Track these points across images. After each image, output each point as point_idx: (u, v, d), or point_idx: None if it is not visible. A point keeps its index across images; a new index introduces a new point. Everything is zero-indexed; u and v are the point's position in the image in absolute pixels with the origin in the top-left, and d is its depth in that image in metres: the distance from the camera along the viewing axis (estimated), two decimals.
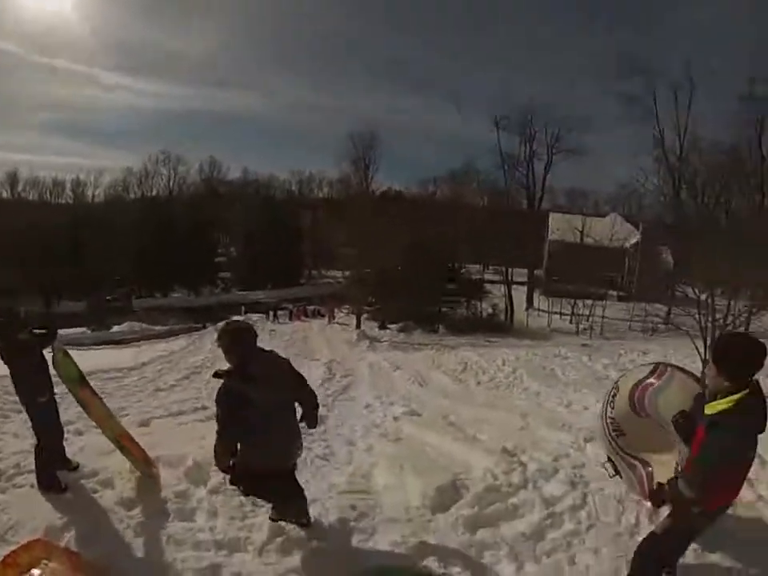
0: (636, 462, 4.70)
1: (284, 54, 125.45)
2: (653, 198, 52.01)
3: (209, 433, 7.85)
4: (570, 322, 40.85)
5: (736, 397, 2.97)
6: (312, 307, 46.07)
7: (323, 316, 43.65)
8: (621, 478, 4.88)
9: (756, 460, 5.76)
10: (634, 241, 49.89)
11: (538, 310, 46.04)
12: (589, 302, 41.31)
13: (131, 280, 54.32)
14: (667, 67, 52.47)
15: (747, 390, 2.98)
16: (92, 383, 12.48)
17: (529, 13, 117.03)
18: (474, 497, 5.36)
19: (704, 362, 11.90)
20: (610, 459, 4.95)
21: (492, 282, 49.47)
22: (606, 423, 4.95)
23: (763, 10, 71.16)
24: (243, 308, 43.93)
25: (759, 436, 3.10)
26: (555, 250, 51.34)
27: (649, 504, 4.35)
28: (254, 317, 41.43)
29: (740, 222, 48.82)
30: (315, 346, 29.35)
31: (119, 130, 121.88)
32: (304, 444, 7.44)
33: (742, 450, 3.06)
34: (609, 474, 4.93)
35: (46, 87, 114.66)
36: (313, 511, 4.96)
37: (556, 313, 42.61)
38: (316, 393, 4.88)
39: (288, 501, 4.59)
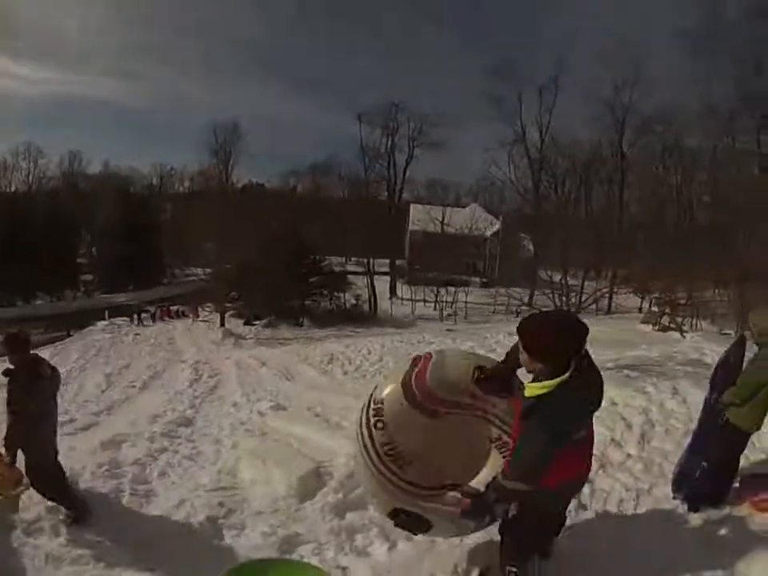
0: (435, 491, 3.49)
1: (152, 42, 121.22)
2: (513, 191, 54.52)
3: (79, 443, 7.71)
4: (434, 308, 41.75)
5: (555, 381, 2.74)
6: (176, 307, 44.84)
7: (187, 316, 42.74)
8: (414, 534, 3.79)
9: (622, 423, 6.22)
10: (494, 230, 51.84)
11: (401, 299, 47.08)
12: (452, 288, 42.45)
13: None
14: (534, 71, 55.26)
15: (568, 373, 2.74)
16: None
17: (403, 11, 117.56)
18: (338, 483, 5.48)
19: None
20: (398, 513, 3.48)
21: (355, 273, 49.82)
22: (376, 453, 3.50)
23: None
24: (107, 312, 42.09)
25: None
26: (416, 240, 52.64)
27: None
28: (119, 321, 40.30)
29: (599, 213, 52.86)
30: (181, 347, 28.74)
31: None
32: (171, 447, 7.43)
33: (567, 432, 2.85)
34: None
35: None
36: (182, 512, 4.99)
37: (420, 300, 43.50)
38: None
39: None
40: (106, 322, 39.79)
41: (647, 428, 6.71)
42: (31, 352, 4.75)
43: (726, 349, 5.21)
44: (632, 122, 51.35)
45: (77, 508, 4.70)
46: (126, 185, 74.22)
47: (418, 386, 3.44)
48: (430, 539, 4.23)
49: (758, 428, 4.66)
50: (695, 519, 4.59)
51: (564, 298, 13.31)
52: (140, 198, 69.14)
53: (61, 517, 4.59)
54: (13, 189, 69.56)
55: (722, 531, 4.38)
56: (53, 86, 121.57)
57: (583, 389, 2.82)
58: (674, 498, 5.04)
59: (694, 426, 6.08)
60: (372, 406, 3.59)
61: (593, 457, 3.40)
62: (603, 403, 7.04)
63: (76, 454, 6.82)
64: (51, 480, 4.68)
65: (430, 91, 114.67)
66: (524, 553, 3.35)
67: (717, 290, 33.72)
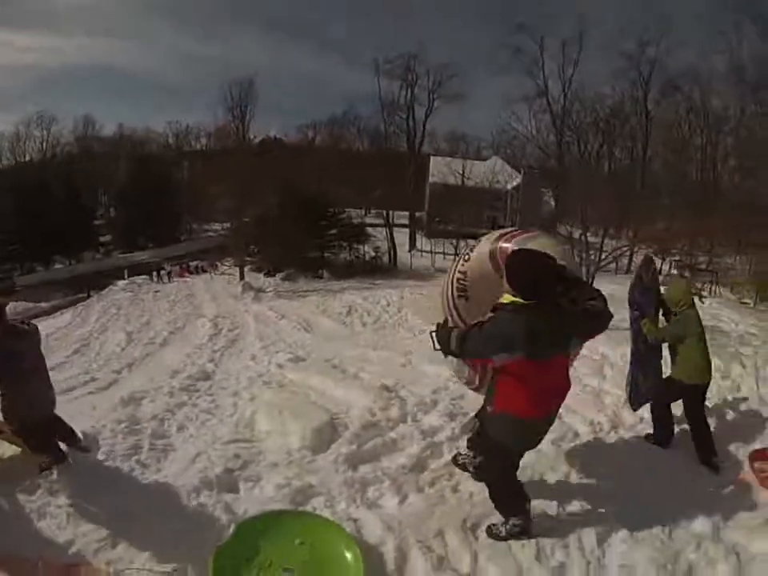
0: None
1: (161, 2, 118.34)
2: (534, 145, 53.76)
3: (99, 402, 7.80)
4: (454, 261, 40.98)
5: (520, 301, 3.26)
6: (195, 263, 45.08)
7: (206, 271, 43.04)
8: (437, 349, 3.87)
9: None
10: (515, 183, 51.16)
11: (421, 251, 46.79)
12: (472, 241, 41.88)
13: (10, 256, 51.03)
14: (557, 24, 53.71)
15: (534, 301, 3.25)
16: None
17: None
18: (353, 434, 5.54)
19: None
20: (438, 327, 3.85)
21: (374, 225, 49.20)
22: (452, 279, 4.44)
23: None
24: (126, 271, 42.36)
25: None
26: (436, 192, 52.02)
27: None
28: (139, 279, 40.58)
29: (621, 170, 52.01)
30: (201, 302, 28.97)
31: None
32: (189, 401, 7.49)
33: (511, 342, 3.24)
34: (433, 347, 3.85)
35: None
36: (199, 465, 5.01)
37: (439, 253, 43.11)
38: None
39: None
40: (125, 281, 40.16)
41: None
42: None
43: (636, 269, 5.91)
44: (657, 80, 50.13)
45: (56, 455, 4.69)
46: (141, 144, 74.27)
47: (502, 247, 4.09)
48: (440, 493, 4.44)
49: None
50: (701, 492, 4.67)
51: (584, 254, 13.16)
52: (156, 157, 69.01)
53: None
54: (28, 158, 69.57)
55: (726, 504, 4.42)
56: (59, 54, 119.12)
57: (549, 319, 3.26)
58: (634, 410, 5.78)
59: (707, 392, 6.11)
60: (468, 249, 4.51)
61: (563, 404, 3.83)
62: (620, 364, 7.16)
63: (97, 413, 6.91)
64: (37, 429, 4.62)
65: (450, 43, 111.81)
66: (515, 500, 3.83)
67: (737, 257, 33.37)
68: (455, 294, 4.38)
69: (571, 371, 6.99)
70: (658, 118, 50.98)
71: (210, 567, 3.31)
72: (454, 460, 4.91)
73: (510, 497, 3.87)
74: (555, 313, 3.33)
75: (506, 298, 3.35)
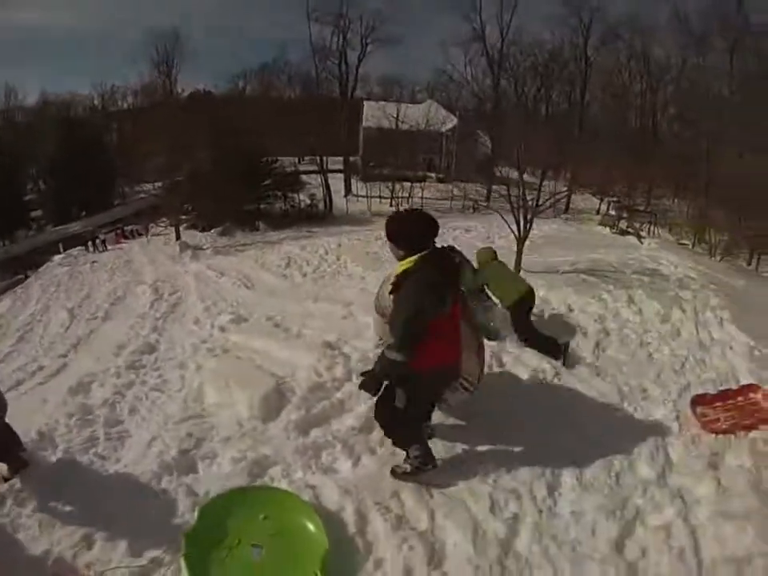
0: None
1: None
2: (469, 90, 53.56)
3: (50, 394, 7.75)
4: (390, 205, 41.28)
5: (415, 257, 3.45)
6: (130, 227, 44.18)
7: (142, 235, 42.33)
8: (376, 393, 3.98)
9: (577, 331, 6.55)
10: (451, 126, 51.10)
11: (357, 196, 46.57)
12: (408, 184, 42.13)
13: None
14: None
15: (427, 252, 3.48)
16: None
17: None
18: (301, 399, 5.64)
19: (517, 239, 12.77)
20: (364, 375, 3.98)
21: (308, 172, 49.19)
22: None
23: None
24: (61, 245, 41.17)
25: None
26: (370, 136, 51.79)
27: None
28: (74, 251, 39.35)
29: (560, 114, 52.37)
30: (139, 267, 28.58)
31: None
32: (137, 379, 7.52)
33: (427, 301, 3.38)
34: (373, 395, 3.97)
35: None
36: (155, 450, 5.05)
37: (376, 197, 43.19)
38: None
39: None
40: (62, 255, 38.87)
41: (602, 336, 7.06)
42: None
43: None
44: (598, 27, 50.22)
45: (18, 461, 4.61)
46: (65, 110, 71.36)
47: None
48: (390, 452, 4.52)
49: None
50: (645, 437, 4.85)
51: (521, 197, 13.32)
52: (81, 121, 66.39)
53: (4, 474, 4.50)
54: None
55: (670, 450, 4.69)
56: None
57: (441, 266, 3.48)
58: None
59: (647, 337, 6.36)
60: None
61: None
62: (562, 310, 7.85)
63: (48, 407, 6.84)
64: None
65: None
66: (410, 432, 4.08)
67: (675, 200, 34.22)
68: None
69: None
70: (598, 64, 51.28)
71: (182, 555, 3.41)
72: None
73: (404, 429, 4.11)
74: (445, 257, 3.66)
75: (399, 268, 3.53)
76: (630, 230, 27.00)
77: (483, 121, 50.57)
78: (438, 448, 4.45)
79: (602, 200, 35.63)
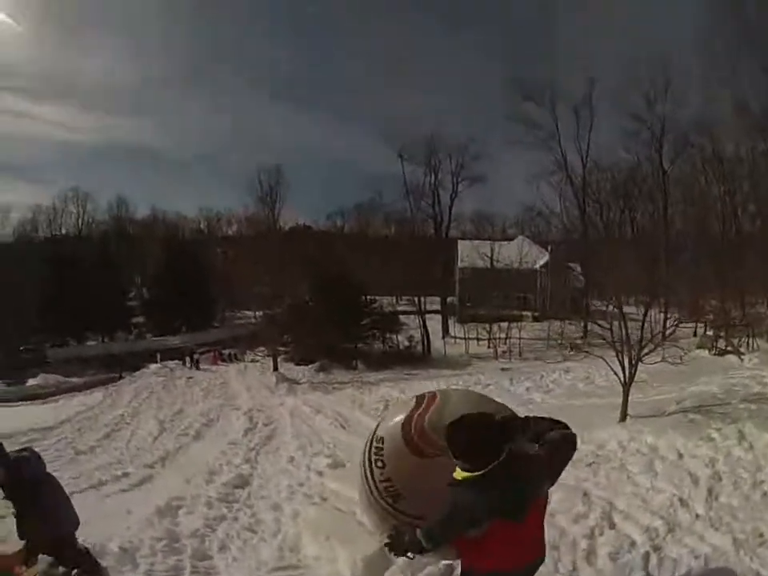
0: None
1: (183, 80, 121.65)
2: (559, 219, 53.70)
3: (134, 506, 7.58)
4: (488, 346, 40.73)
5: (470, 475, 2.98)
6: (228, 351, 45.03)
7: (239, 360, 42.88)
8: (410, 557, 3.42)
9: (688, 479, 5.97)
10: (543, 261, 51.08)
11: (455, 337, 45.99)
12: (504, 324, 41.79)
13: (43, 327, 51.60)
14: (566, 92, 53.10)
15: (481, 473, 2.97)
16: (11, 448, 12.06)
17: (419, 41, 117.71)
18: (405, 562, 5.09)
19: (623, 384, 12.06)
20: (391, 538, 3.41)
21: (406, 312, 49.14)
22: (376, 488, 3.83)
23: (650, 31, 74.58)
24: (158, 355, 42.37)
25: None
26: (465, 276, 51.97)
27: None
28: (171, 363, 40.26)
29: (644, 234, 51.66)
30: (234, 392, 28.80)
31: (25, 163, 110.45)
32: (229, 514, 7.24)
33: (459, 525, 3.06)
34: (398, 555, 3.48)
35: None
36: None
37: (473, 338, 42.59)
38: None
39: None
40: (158, 365, 39.83)
41: (714, 482, 6.37)
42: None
43: None
44: (670, 137, 49.75)
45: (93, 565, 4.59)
46: (173, 229, 75.66)
47: (417, 427, 3.68)
48: None
49: None
50: None
51: (624, 338, 12.63)
52: (188, 243, 69.62)
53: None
54: (63, 232, 71.25)
55: None
56: (93, 132, 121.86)
57: (494, 489, 2.97)
58: None
59: (761, 475, 5.74)
60: (374, 444, 3.85)
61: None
62: (671, 457, 7.14)
63: (132, 521, 6.72)
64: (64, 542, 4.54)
65: (464, 122, 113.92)
66: None
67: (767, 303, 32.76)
68: (373, 459, 3.91)
69: (620, 471, 6.65)
70: (675, 174, 50.41)
71: None
72: None
73: None
74: (514, 471, 3.04)
75: (459, 474, 3.08)
76: (729, 348, 25.69)
77: (573, 253, 50.26)
78: None
79: (696, 321, 34.13)
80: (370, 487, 3.82)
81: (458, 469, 3.08)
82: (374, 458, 3.82)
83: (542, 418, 3.44)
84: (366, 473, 3.85)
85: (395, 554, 3.41)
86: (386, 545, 3.41)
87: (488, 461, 2.96)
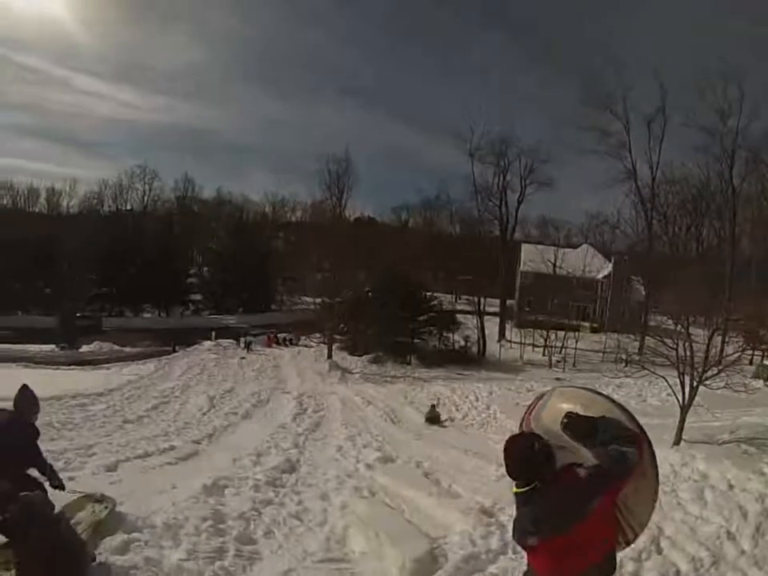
0: None
1: (259, 72, 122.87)
2: (625, 230, 52.65)
3: (179, 480, 7.56)
4: (543, 354, 40.29)
5: (521, 490, 3.19)
6: (283, 335, 45.30)
7: (294, 344, 43.15)
8: None
9: (738, 512, 5.72)
10: (606, 272, 50.24)
11: (510, 341, 45.59)
12: (561, 333, 41.22)
13: (101, 296, 53.22)
14: (639, 100, 51.79)
15: (528, 488, 3.19)
16: (60, 410, 12.24)
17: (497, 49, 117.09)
18: (454, 568, 5.08)
19: (681, 407, 11.68)
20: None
21: (464, 312, 48.92)
22: None
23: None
24: (213, 332, 42.79)
25: None
26: (527, 280, 51.51)
27: None
28: (225, 342, 40.61)
29: (713, 252, 50.27)
30: (287, 376, 29.00)
31: (93, 139, 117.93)
32: (276, 499, 7.16)
33: (527, 531, 3.14)
34: None
35: (16, 85, 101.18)
36: None
37: (528, 344, 42.11)
38: None
39: None
40: (213, 342, 40.24)
41: (762, 519, 6.11)
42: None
43: None
44: (741, 152, 48.10)
45: None
46: (238, 211, 76.95)
47: (526, 422, 3.67)
48: None
49: None
50: None
51: (688, 359, 12.18)
52: (252, 225, 71.14)
53: None
54: (129, 207, 72.95)
55: None
56: (161, 113, 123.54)
57: (535, 505, 3.16)
58: None
59: None
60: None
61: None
62: (722, 487, 6.91)
63: (178, 496, 6.70)
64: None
65: (534, 125, 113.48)
66: None
67: None
68: None
69: (671, 496, 6.35)
70: (745, 191, 48.75)
71: None
72: None
73: None
74: (554, 491, 3.20)
75: (514, 489, 3.29)
76: None
77: (637, 265, 49.06)
78: None
79: (754, 348, 32.83)
80: None
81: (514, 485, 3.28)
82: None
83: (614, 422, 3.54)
84: None
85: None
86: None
87: (532, 478, 3.19)
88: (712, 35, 79.75)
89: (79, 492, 5.48)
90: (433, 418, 18.32)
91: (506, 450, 3.32)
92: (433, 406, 18.93)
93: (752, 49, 77.76)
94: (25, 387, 4.79)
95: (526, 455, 3.25)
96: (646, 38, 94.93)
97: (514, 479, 3.24)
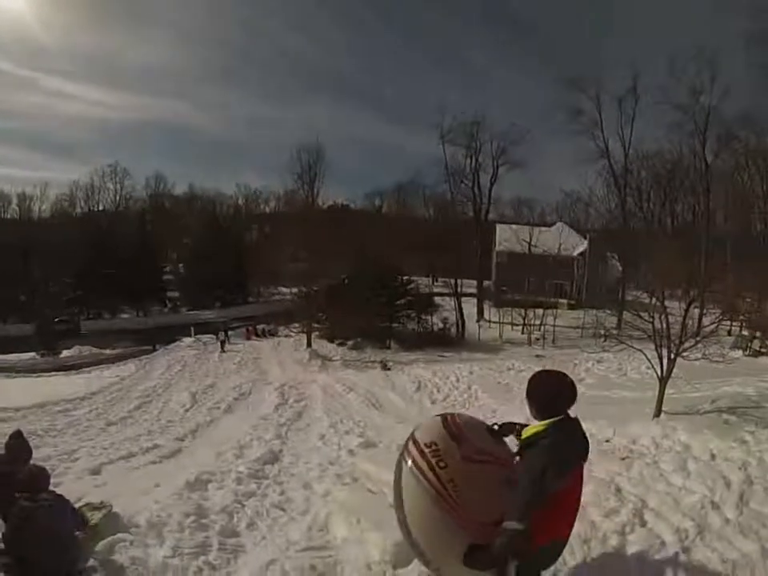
0: None
1: (227, 68, 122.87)
2: (599, 207, 53.07)
3: (163, 478, 7.57)
4: (522, 332, 40.57)
5: (549, 421, 3.17)
6: (262, 326, 45.26)
7: (273, 335, 43.26)
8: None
9: (721, 481, 5.81)
10: (581, 249, 50.59)
11: (489, 321, 45.81)
12: (540, 311, 41.40)
13: (78, 299, 52.57)
14: (610, 80, 52.16)
15: (559, 417, 3.18)
16: (43, 417, 12.17)
17: (470, 28, 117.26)
18: None
19: (660, 379, 11.78)
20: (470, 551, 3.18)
21: (441, 294, 49.05)
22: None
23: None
24: (192, 329, 42.68)
25: None
26: (503, 260, 51.77)
27: None
28: (204, 338, 40.68)
29: (688, 226, 50.74)
30: (267, 367, 29.02)
31: (63, 141, 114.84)
32: (259, 491, 7.20)
33: (551, 473, 3.00)
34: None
35: None
36: (272, 574, 4.68)
37: (507, 323, 42.40)
38: None
39: None
40: (192, 339, 40.36)
41: (746, 486, 6.18)
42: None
43: None
44: (714, 130, 48.61)
45: None
46: (211, 205, 76.77)
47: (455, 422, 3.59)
48: None
49: None
50: None
51: (664, 332, 12.28)
52: (225, 219, 70.89)
53: None
54: (101, 207, 72.25)
55: None
56: (132, 111, 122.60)
57: (571, 438, 3.21)
58: None
59: None
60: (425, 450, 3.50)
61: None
62: (704, 457, 7.01)
63: (161, 494, 6.72)
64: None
65: (507, 107, 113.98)
66: None
67: None
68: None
69: (653, 468, 6.54)
70: (718, 168, 49.25)
71: None
72: None
73: None
74: (577, 429, 3.32)
75: (528, 431, 3.30)
76: (763, 350, 25.36)
77: (612, 242, 49.52)
78: None
79: (731, 319, 33.29)
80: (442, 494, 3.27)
81: (526, 428, 3.35)
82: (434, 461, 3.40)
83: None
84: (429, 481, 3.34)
85: (481, 568, 3.18)
86: (465, 563, 3.17)
87: (556, 410, 3.21)
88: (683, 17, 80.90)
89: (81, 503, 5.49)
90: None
91: (538, 380, 3.36)
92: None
93: (722, 28, 78.93)
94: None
95: (556, 387, 3.29)
96: (619, 18, 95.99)
97: (541, 409, 3.24)
